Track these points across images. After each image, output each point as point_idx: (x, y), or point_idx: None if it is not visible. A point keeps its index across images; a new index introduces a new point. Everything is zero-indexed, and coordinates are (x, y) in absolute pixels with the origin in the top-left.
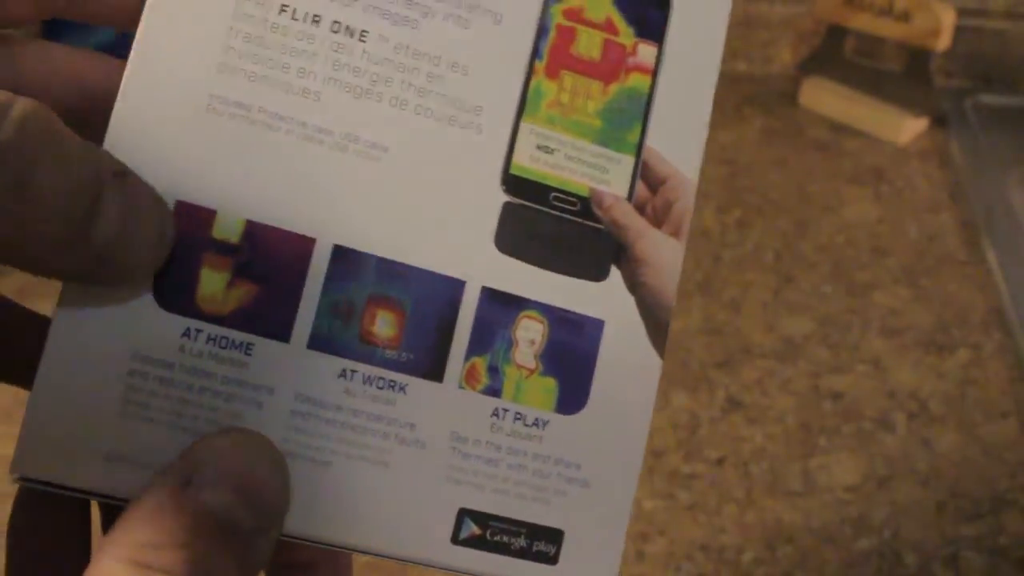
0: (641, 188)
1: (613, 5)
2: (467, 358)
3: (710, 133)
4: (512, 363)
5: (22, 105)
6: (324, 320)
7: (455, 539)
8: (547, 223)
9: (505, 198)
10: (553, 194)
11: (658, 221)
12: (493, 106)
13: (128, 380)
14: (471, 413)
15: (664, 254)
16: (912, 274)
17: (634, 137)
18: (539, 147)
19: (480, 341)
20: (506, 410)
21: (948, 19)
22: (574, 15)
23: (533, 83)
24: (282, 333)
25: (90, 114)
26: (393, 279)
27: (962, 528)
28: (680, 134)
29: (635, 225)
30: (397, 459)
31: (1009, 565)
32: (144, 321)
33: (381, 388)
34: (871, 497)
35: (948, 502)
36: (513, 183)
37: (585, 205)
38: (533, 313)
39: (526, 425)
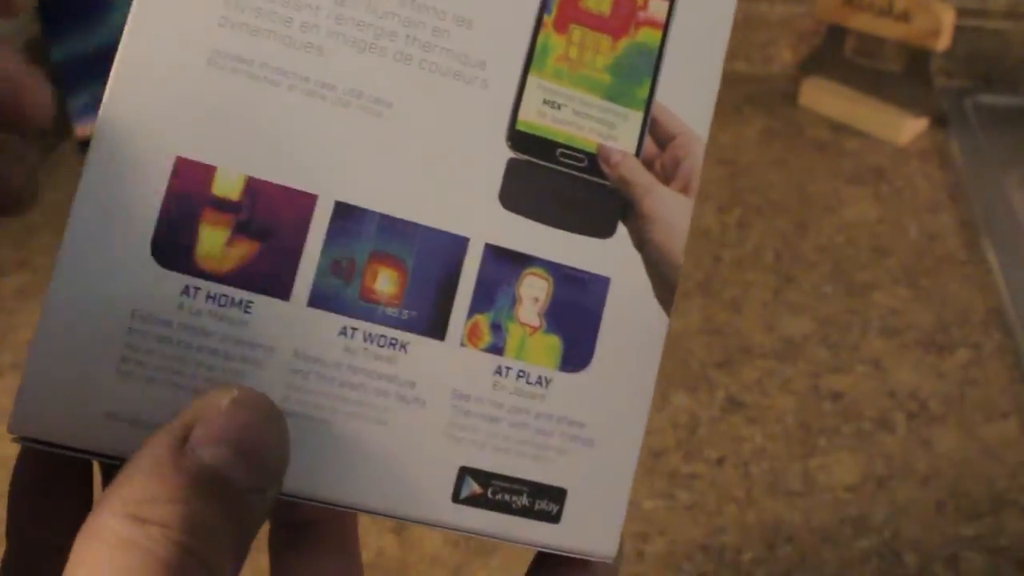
0: (650, 144)
1: None
2: (469, 316)
3: (710, 133)
4: (516, 321)
5: None
6: (325, 278)
7: (456, 498)
8: (553, 179)
9: (510, 154)
10: (560, 150)
11: (667, 178)
12: (499, 61)
13: (127, 339)
14: (473, 371)
15: (672, 211)
16: (912, 274)
17: (643, 93)
18: (546, 102)
19: (483, 298)
20: (509, 368)
21: (948, 19)
22: None
23: (541, 37)
24: (282, 291)
25: None
26: (395, 236)
27: (962, 528)
28: (690, 90)
29: (643, 181)
30: (397, 417)
31: (1009, 565)
32: (143, 279)
33: (382, 346)
34: (871, 497)
35: (948, 502)
36: (519, 139)
37: (592, 161)
38: (538, 270)
39: (529, 383)
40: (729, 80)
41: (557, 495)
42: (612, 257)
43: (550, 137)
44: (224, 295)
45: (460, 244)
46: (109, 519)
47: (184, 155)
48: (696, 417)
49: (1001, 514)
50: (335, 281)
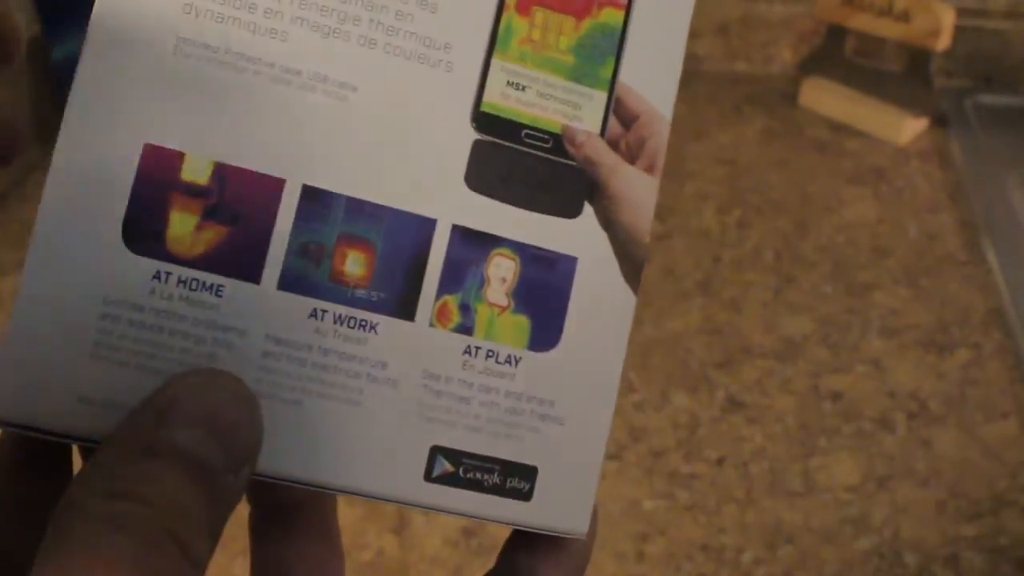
0: (614, 124)
1: None
2: (438, 296)
3: (710, 133)
4: (484, 301)
5: None
6: (294, 261)
7: (428, 476)
8: (519, 160)
9: (476, 136)
10: (524, 131)
11: (632, 157)
12: (463, 44)
13: (99, 324)
14: (443, 351)
15: (638, 190)
16: (912, 274)
17: (607, 73)
18: (510, 84)
19: (451, 279)
20: (478, 348)
21: (948, 19)
22: None
23: (504, 19)
24: (252, 274)
25: None
26: (363, 218)
27: (962, 528)
28: (654, 70)
29: (608, 161)
30: (369, 398)
31: (1009, 565)
32: (114, 265)
33: (352, 327)
34: (871, 497)
35: (948, 502)
36: (484, 120)
37: (557, 142)
38: (505, 251)
39: (498, 363)
40: (729, 80)
41: (528, 473)
42: (579, 237)
43: (515, 118)
44: (195, 279)
45: (427, 226)
46: (84, 497)
47: (152, 142)
48: (696, 417)
49: (1001, 514)
50: (304, 264)
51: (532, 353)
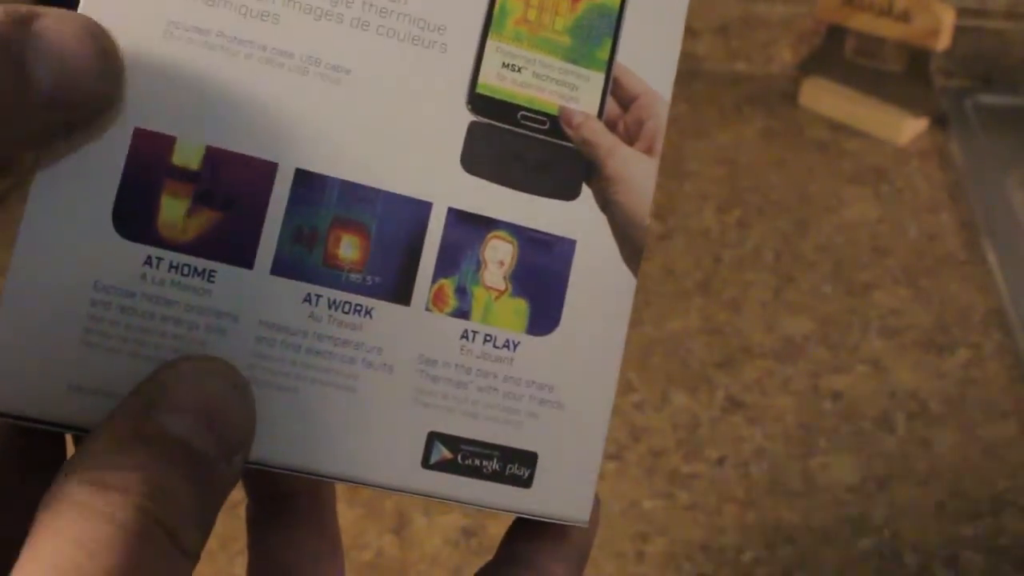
0: (612, 106)
1: None
2: (434, 280)
3: (710, 133)
4: (481, 284)
5: None
6: (287, 245)
7: (425, 463)
8: (515, 142)
9: (472, 118)
10: (521, 113)
11: (630, 139)
12: (458, 25)
13: (90, 310)
14: (439, 336)
15: (636, 171)
16: (912, 274)
17: (604, 54)
18: (506, 65)
19: (447, 263)
20: (475, 332)
21: (948, 19)
22: None
23: (499, 0)
24: (245, 259)
25: None
26: (357, 202)
27: (962, 528)
28: (652, 50)
29: (606, 143)
30: (364, 384)
31: (1009, 565)
32: (105, 250)
33: (347, 312)
34: (871, 497)
35: (948, 502)
36: (479, 102)
37: (554, 124)
38: (502, 233)
39: (496, 347)
40: (729, 80)
41: (528, 459)
42: (577, 219)
43: (511, 100)
44: (187, 264)
45: (423, 209)
46: (71, 486)
47: (143, 126)
48: (696, 417)
49: (1001, 514)
50: (298, 248)
51: (531, 337)
